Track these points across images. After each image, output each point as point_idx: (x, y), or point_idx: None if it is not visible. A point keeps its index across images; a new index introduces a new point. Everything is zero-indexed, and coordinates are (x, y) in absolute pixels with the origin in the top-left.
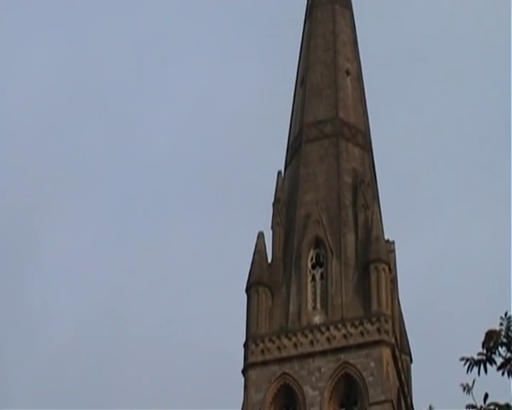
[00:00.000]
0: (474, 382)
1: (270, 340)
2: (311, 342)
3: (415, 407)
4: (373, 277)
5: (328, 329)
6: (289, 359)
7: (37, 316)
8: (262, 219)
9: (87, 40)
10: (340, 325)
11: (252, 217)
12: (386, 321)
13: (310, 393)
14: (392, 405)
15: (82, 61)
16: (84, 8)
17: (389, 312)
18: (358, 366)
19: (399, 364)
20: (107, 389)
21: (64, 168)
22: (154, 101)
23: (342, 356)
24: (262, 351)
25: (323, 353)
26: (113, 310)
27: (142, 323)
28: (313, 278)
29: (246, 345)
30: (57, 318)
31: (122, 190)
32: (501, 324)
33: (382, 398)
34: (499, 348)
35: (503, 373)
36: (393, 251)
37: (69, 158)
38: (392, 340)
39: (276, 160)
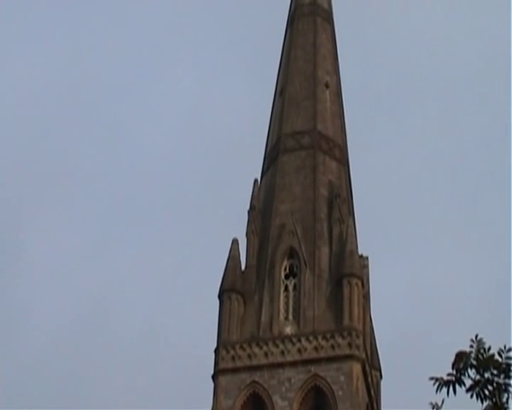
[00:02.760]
0: (443, 401)
1: (241, 347)
2: (282, 353)
3: None
4: (346, 291)
5: (299, 340)
6: (260, 367)
7: (18, 316)
8: (237, 226)
9: (81, 46)
10: (311, 337)
11: (227, 223)
12: (358, 336)
13: (279, 403)
14: None
15: (75, 67)
16: (79, 14)
17: (361, 327)
18: (328, 379)
19: (369, 379)
20: (86, 389)
21: (51, 171)
22: (140, 111)
23: (312, 368)
24: (233, 358)
25: (294, 364)
26: (93, 312)
27: (120, 326)
28: (286, 289)
29: (216, 351)
30: (38, 318)
31: (105, 198)
32: (471, 346)
33: None
34: (469, 370)
35: (471, 396)
36: (367, 267)
37: (57, 161)
38: (363, 355)
39: (253, 168)
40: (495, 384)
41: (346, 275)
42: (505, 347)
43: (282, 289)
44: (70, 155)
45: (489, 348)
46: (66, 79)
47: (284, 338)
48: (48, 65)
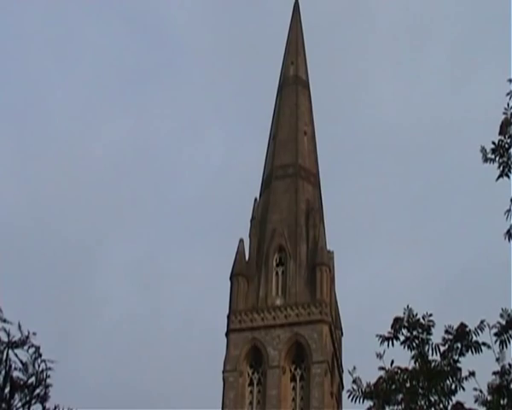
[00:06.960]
0: (384, 351)
1: (246, 314)
2: (274, 318)
3: (343, 367)
4: (318, 275)
5: (285, 309)
6: (258, 328)
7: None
8: (243, 231)
9: (148, 122)
10: (294, 307)
11: (236, 229)
12: (326, 306)
13: (271, 353)
14: (328, 364)
15: (143, 135)
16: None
17: (328, 300)
18: (306, 336)
19: (334, 336)
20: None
21: (129, 202)
22: (183, 161)
23: (295, 329)
24: (240, 321)
25: (282, 326)
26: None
27: (168, 303)
28: (277, 274)
29: (229, 317)
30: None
31: (157, 219)
32: (404, 313)
33: (321, 359)
34: (402, 330)
35: (404, 347)
36: (333, 259)
37: (131, 195)
38: (330, 319)
39: (254, 190)
40: (420, 339)
41: (318, 264)
42: (427, 313)
43: (274, 273)
44: (139, 191)
45: (416, 314)
46: (136, 144)
47: (275, 308)
48: (120, 142)
